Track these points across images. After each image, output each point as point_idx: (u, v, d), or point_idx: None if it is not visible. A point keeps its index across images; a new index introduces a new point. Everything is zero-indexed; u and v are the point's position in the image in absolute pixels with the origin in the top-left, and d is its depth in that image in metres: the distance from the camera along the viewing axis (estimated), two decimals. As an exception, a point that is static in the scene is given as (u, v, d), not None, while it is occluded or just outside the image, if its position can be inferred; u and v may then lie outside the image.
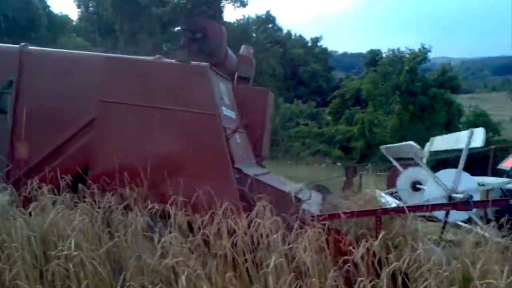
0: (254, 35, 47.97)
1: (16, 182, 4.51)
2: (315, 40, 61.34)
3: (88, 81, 4.68)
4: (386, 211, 4.49)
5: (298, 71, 54.96)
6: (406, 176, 6.82)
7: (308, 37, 64.14)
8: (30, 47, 4.98)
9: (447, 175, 5.70)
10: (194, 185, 4.10)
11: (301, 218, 4.15)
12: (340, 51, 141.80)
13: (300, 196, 4.98)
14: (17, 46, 5.00)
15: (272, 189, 4.65)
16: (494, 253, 3.90)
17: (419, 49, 37.87)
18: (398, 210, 4.54)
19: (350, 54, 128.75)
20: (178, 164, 4.41)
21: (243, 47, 6.98)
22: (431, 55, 38.85)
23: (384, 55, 41.74)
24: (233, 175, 4.49)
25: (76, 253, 3.37)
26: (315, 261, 3.41)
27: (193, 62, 4.63)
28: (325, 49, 62.19)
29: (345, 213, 4.33)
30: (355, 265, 3.62)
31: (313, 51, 58.99)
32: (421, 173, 6.40)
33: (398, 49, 39.23)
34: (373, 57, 47.87)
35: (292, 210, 4.29)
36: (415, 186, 6.62)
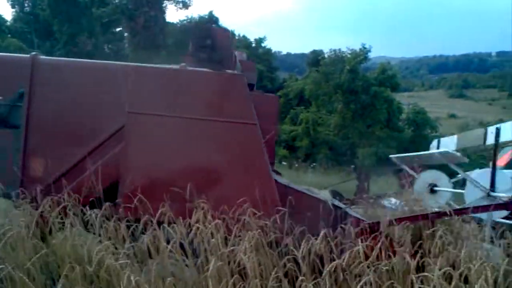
0: (197, 36, 47.70)
1: (33, 200, 4.14)
2: (259, 41, 61.63)
3: (114, 93, 4.43)
4: (458, 213, 4.45)
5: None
6: (423, 179, 7.02)
7: (252, 37, 64.22)
8: (42, 57, 4.69)
9: (480, 175, 5.92)
10: (235, 197, 3.92)
11: (354, 224, 4.01)
12: (284, 51, 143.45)
13: (338, 203, 4.86)
14: (28, 56, 4.67)
15: (308, 197, 4.49)
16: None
17: (360, 49, 38.88)
18: (461, 212, 4.52)
19: (293, 55, 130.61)
20: (217, 176, 4.21)
21: (236, 53, 6.79)
22: (371, 55, 40.02)
23: (326, 55, 42.58)
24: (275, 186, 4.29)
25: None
26: (256, 262, 3.38)
27: (227, 71, 4.52)
28: (269, 50, 62.62)
29: (422, 216, 4.22)
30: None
31: (257, 52, 59.30)
32: (437, 175, 6.74)
33: (340, 49, 40.14)
34: (316, 58, 48.68)
35: (331, 218, 4.13)
36: (432, 189, 6.83)
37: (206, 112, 4.23)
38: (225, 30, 5.43)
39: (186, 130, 4.23)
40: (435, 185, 6.92)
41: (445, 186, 6.65)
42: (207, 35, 5.03)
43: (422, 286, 3.31)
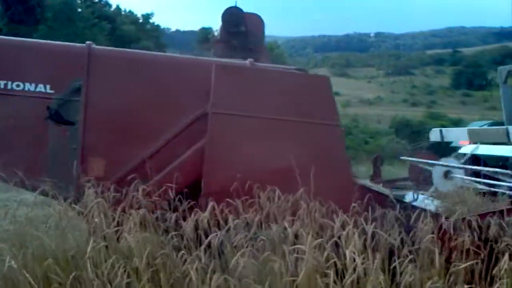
0: (79, 10, 45.04)
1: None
2: (147, 17, 59.68)
3: (189, 89, 4.09)
4: None
5: (129, 48, 53.09)
6: (440, 166, 7.38)
7: (139, 13, 62.03)
8: (98, 47, 4.23)
9: None
10: (317, 196, 3.68)
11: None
12: (173, 28, 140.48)
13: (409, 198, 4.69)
14: (83, 45, 4.12)
15: (375, 193, 4.22)
16: None
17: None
18: None
19: (183, 32, 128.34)
20: (300, 176, 3.85)
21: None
22: (259, 33, 40.63)
23: (215, 33, 42.43)
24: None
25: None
26: (141, 241, 3.10)
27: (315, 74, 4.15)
28: (158, 26, 61.04)
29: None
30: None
31: (145, 28, 57.53)
32: (451, 162, 7.28)
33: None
34: (205, 35, 48.45)
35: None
36: (447, 175, 7.24)
37: (291, 113, 4.05)
38: (258, 16, 5.12)
39: (271, 130, 4.02)
40: (450, 172, 7.35)
41: (458, 173, 7.12)
42: (241, 22, 4.81)
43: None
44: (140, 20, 59.22)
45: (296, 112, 4.03)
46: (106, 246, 3.15)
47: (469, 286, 2.94)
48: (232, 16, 4.86)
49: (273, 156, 3.94)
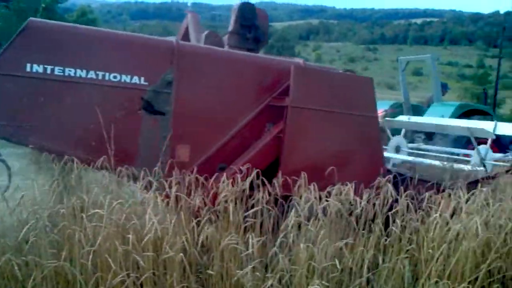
0: None
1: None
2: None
3: (256, 84, 4.66)
4: None
5: None
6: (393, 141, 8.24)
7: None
8: (185, 43, 4.72)
9: None
10: (361, 175, 4.38)
11: None
12: None
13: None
14: (173, 40, 4.46)
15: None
16: None
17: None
18: None
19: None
20: (350, 159, 4.80)
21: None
22: (72, -4, 37.80)
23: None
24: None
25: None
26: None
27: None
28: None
29: None
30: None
31: None
32: (401, 140, 8.24)
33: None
34: None
35: None
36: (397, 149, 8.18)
37: (344, 106, 4.81)
38: (264, 11, 5.63)
39: (331, 122, 4.76)
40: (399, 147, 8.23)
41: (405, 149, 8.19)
42: (254, 16, 5.32)
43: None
44: None
45: (349, 106, 4.86)
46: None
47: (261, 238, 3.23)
48: (247, 11, 5.40)
49: (332, 142, 4.77)
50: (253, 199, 3.45)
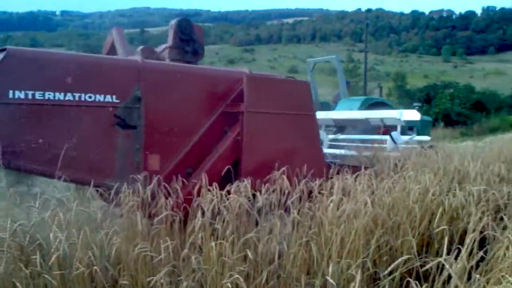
0: None
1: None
2: None
3: (212, 94, 5.10)
4: None
5: None
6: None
7: None
8: (148, 61, 4.89)
9: None
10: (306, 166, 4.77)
11: None
12: None
13: None
14: (138, 60, 4.74)
15: None
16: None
17: None
18: None
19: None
20: (295, 153, 5.33)
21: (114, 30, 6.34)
22: None
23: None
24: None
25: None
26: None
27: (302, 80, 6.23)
28: None
29: None
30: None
31: None
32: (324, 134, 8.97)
33: None
34: None
35: None
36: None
37: (288, 108, 5.43)
38: (200, 27, 6.29)
39: (279, 122, 5.36)
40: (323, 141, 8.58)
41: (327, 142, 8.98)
42: (192, 31, 5.75)
43: None
44: None
45: (292, 107, 5.49)
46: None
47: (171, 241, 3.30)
48: (184, 26, 5.77)
49: (282, 139, 5.36)
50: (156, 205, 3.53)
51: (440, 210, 3.76)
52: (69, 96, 4.07)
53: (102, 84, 4.32)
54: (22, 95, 3.79)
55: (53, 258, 2.56)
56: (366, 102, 12.87)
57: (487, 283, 2.71)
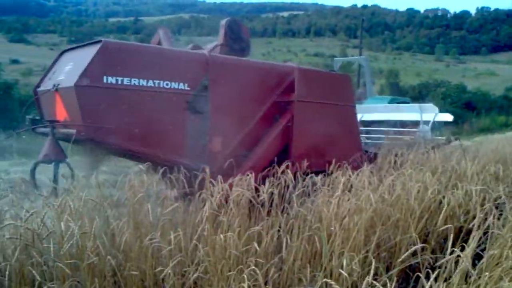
0: None
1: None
2: None
3: (265, 85, 5.61)
4: None
5: None
6: None
7: None
8: (215, 55, 5.38)
9: None
10: (348, 153, 5.83)
11: None
12: None
13: None
14: (205, 53, 5.27)
15: None
16: None
17: None
18: None
19: None
20: (337, 142, 6.00)
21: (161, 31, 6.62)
22: None
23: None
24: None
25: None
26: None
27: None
28: None
29: None
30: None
31: None
32: None
33: None
34: None
35: None
36: None
37: (333, 98, 6.06)
38: (246, 26, 6.70)
39: (325, 111, 5.92)
40: None
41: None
42: (240, 30, 6.22)
43: None
44: None
45: (336, 98, 6.09)
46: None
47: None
48: (233, 26, 6.27)
49: (326, 127, 5.91)
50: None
51: (441, 207, 3.85)
52: (150, 83, 4.58)
53: (177, 73, 4.81)
54: (113, 81, 4.29)
55: (65, 247, 2.61)
56: (393, 101, 14.36)
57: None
